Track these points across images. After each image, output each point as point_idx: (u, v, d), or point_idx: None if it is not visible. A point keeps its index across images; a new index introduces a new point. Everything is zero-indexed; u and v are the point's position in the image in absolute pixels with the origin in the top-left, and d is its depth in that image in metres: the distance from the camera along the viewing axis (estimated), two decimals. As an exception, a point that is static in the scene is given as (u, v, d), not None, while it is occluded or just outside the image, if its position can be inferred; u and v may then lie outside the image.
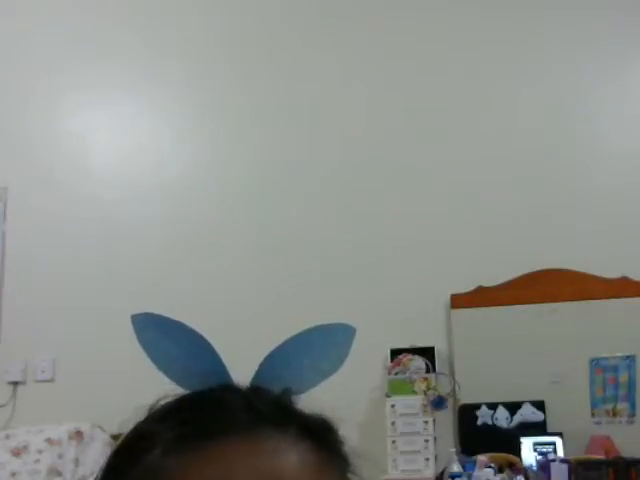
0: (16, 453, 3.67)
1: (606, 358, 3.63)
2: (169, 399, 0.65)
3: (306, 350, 0.70)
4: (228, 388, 0.65)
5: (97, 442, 3.73)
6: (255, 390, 0.66)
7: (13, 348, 4.13)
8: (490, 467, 3.23)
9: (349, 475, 0.66)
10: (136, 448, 0.63)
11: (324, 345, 0.71)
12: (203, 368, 0.66)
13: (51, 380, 4.10)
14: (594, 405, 3.61)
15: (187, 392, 0.66)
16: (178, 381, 0.67)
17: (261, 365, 0.68)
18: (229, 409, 0.62)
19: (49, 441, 3.70)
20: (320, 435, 0.64)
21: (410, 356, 3.69)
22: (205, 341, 0.68)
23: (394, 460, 3.47)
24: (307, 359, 0.69)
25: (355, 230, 4.02)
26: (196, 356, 0.67)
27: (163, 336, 0.69)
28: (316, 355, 0.70)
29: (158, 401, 0.65)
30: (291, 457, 0.61)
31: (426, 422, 3.50)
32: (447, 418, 3.68)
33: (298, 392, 0.67)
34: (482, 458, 3.25)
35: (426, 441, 3.48)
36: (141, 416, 0.64)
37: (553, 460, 3.22)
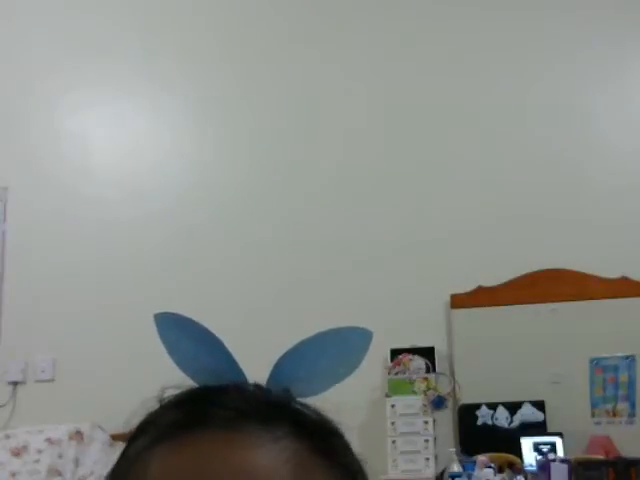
0: (16, 453, 3.67)
1: (606, 358, 3.63)
2: (176, 389, 0.66)
3: (322, 352, 0.69)
4: (227, 387, 0.65)
5: (97, 442, 3.73)
6: (255, 389, 0.66)
7: (13, 348, 4.13)
8: (490, 467, 3.23)
9: None
10: (132, 438, 0.64)
11: (341, 348, 0.70)
12: (219, 367, 0.67)
13: (51, 380, 4.10)
14: (594, 405, 3.61)
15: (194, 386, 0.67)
16: (196, 379, 0.67)
17: (276, 366, 0.68)
18: (215, 405, 0.62)
19: (49, 441, 3.70)
20: (318, 437, 0.63)
21: (410, 356, 3.69)
22: (220, 342, 0.69)
23: (394, 460, 3.47)
24: (323, 361, 0.69)
25: (355, 230, 4.02)
26: (213, 356, 0.68)
27: (183, 335, 0.70)
28: (333, 358, 0.70)
29: (163, 391, 0.65)
30: (264, 453, 0.60)
31: (426, 422, 3.50)
32: (447, 418, 3.68)
33: (310, 394, 0.67)
34: (482, 458, 3.25)
35: (426, 441, 3.48)
36: (151, 405, 0.65)
37: (553, 460, 3.22)
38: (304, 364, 0.68)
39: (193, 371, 0.68)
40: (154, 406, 0.65)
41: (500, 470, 3.29)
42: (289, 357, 0.69)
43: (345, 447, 0.66)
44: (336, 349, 0.70)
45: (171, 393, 0.65)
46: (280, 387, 0.66)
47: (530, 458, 3.39)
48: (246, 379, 0.67)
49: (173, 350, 0.70)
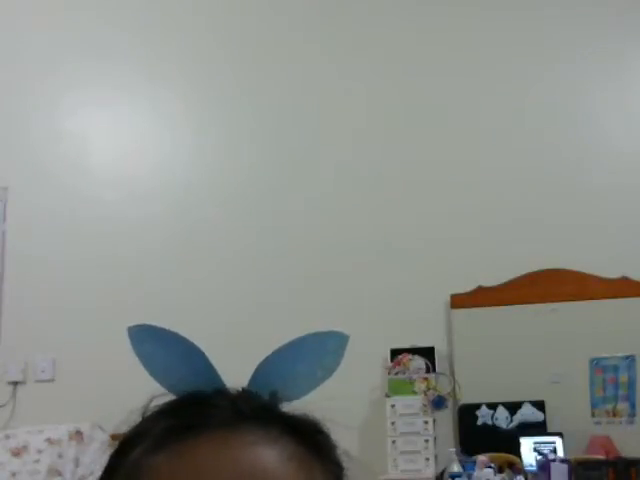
0: (16, 453, 3.67)
1: (606, 358, 3.63)
2: (163, 398, 0.66)
3: (300, 357, 0.70)
4: (217, 391, 0.66)
5: (97, 442, 3.73)
6: (243, 392, 0.67)
7: (13, 348, 4.13)
8: (490, 467, 3.23)
9: (341, 478, 0.66)
10: (125, 446, 0.64)
11: (318, 352, 0.71)
12: (196, 377, 0.67)
13: (51, 380, 4.10)
14: (594, 405, 3.61)
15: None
16: (173, 390, 0.67)
17: (255, 372, 0.69)
18: (212, 407, 0.63)
19: (49, 441, 3.70)
20: (308, 436, 0.64)
21: (410, 356, 3.69)
22: (199, 350, 0.69)
23: (394, 460, 3.47)
24: (301, 366, 0.70)
25: (355, 230, 4.02)
26: (190, 365, 0.68)
27: (158, 347, 0.70)
28: (310, 362, 0.71)
29: (150, 401, 0.66)
30: (270, 452, 0.61)
31: (426, 422, 3.50)
32: (447, 418, 3.68)
33: (291, 398, 0.67)
34: (482, 458, 3.25)
35: (426, 441, 3.48)
36: (136, 417, 0.65)
37: (553, 460, 3.22)
38: (282, 369, 0.69)
39: (170, 382, 0.68)
40: (145, 415, 0.65)
41: (500, 470, 3.29)
42: (267, 363, 0.70)
43: (332, 445, 0.67)
44: (313, 353, 0.71)
45: (157, 403, 0.65)
46: (262, 392, 0.67)
47: (530, 458, 3.39)
48: (225, 386, 0.67)
49: (148, 363, 0.70)
